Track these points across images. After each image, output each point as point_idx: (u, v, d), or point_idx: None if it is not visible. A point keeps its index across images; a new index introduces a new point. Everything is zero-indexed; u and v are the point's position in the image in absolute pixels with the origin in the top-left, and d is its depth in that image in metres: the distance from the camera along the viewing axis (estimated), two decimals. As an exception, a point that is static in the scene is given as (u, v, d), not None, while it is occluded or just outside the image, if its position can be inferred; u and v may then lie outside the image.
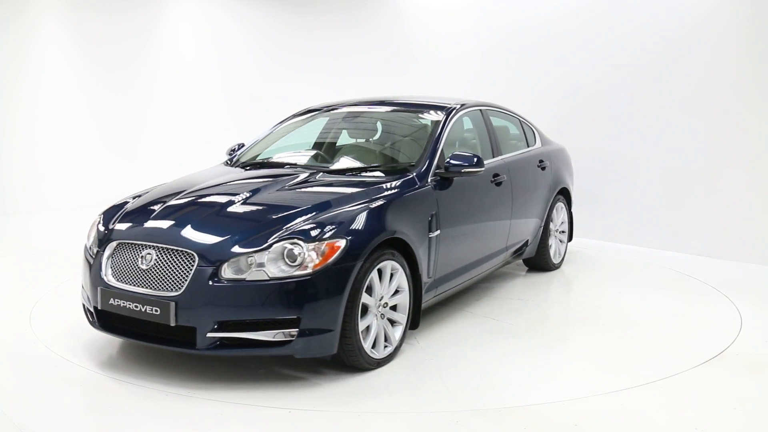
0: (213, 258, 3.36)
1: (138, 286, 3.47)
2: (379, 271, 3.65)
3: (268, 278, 3.30)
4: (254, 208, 3.82)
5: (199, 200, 3.95)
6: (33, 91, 8.76)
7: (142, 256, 3.53)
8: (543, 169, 5.58)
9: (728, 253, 6.37)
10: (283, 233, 3.44)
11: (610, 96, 7.20)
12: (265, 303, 3.29)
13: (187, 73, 9.73)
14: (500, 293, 5.19)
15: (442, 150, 4.40)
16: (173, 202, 3.93)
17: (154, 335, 3.47)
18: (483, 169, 4.33)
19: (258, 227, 3.53)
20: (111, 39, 9.15)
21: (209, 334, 3.30)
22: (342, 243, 3.42)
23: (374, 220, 3.66)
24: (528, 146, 5.63)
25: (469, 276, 4.65)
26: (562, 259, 6.03)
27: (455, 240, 4.34)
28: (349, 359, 3.55)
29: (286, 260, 3.35)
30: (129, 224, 3.80)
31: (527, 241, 5.41)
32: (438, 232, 4.11)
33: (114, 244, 3.67)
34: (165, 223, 3.71)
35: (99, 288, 3.60)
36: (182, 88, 9.68)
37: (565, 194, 5.99)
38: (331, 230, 3.46)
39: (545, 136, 6.04)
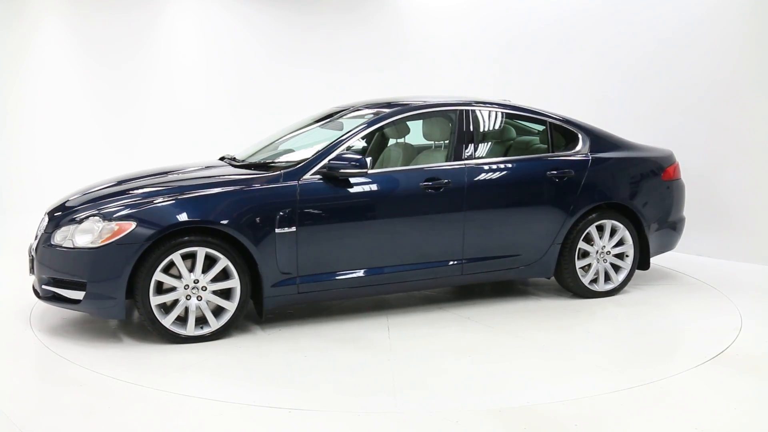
0: (53, 225, 4.15)
1: (36, 246, 4.27)
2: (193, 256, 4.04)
3: (72, 247, 3.97)
4: (120, 188, 4.36)
5: (120, 182, 4.53)
6: (33, 91, 8.77)
7: (42, 224, 4.35)
8: (559, 179, 4.89)
9: (728, 253, 6.37)
10: (93, 211, 4.06)
11: (609, 96, 7.20)
12: (66, 267, 4.01)
13: (187, 71, 9.73)
14: (462, 312, 5.02)
15: (342, 149, 4.39)
16: (107, 182, 4.60)
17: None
18: (365, 171, 4.31)
19: (93, 205, 4.15)
20: (111, 37, 9.15)
21: (44, 287, 4.08)
22: (131, 225, 3.92)
23: (178, 208, 4.01)
24: (553, 152, 5.01)
25: (391, 281, 4.49)
26: (617, 287, 5.13)
27: (335, 241, 4.33)
28: (150, 329, 4.05)
29: (91, 234, 3.95)
30: (59, 200, 4.54)
31: (521, 257, 4.82)
32: (293, 229, 4.18)
33: (45, 216, 4.39)
34: (68, 197, 4.48)
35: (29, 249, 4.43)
36: (182, 86, 9.68)
37: (623, 212, 5.11)
38: (127, 213, 3.98)
39: (614, 141, 5.25)
